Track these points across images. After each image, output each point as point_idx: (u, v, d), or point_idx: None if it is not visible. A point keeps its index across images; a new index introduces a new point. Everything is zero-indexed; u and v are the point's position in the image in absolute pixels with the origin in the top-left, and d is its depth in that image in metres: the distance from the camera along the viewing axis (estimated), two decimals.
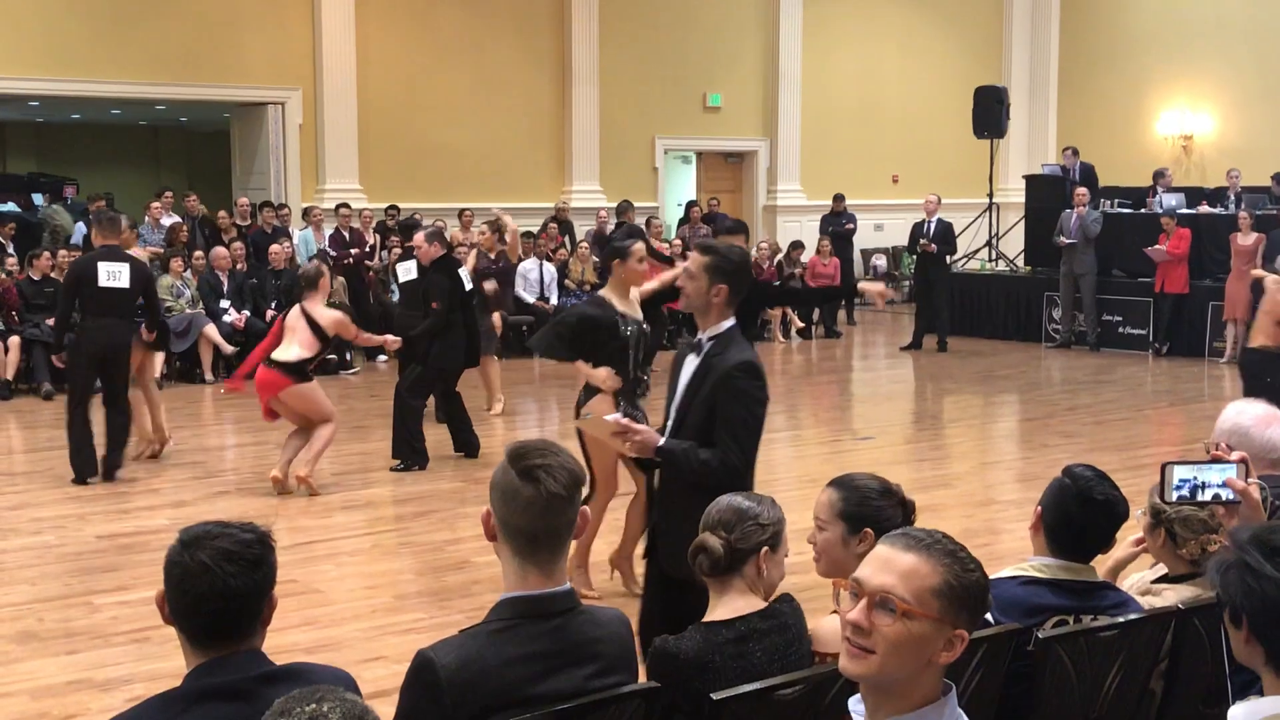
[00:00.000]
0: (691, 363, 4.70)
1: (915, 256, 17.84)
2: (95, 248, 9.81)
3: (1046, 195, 18.63)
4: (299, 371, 9.14)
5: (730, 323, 4.66)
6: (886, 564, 2.30)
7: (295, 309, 9.44)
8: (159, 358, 11.55)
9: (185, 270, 14.87)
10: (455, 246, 16.86)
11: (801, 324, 18.62)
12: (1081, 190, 17.23)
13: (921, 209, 17.65)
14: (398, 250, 15.18)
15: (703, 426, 4.56)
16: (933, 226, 17.31)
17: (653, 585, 5.02)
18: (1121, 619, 3.57)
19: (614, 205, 18.99)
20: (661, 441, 4.59)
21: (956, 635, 2.27)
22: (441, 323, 10.08)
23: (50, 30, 16.03)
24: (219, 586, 2.59)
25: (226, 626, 2.62)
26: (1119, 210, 17.91)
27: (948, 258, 17.70)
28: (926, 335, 17.21)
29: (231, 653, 2.62)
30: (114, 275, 9.44)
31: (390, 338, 10.38)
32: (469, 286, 10.64)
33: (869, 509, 3.51)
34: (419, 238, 10.59)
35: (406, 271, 11.52)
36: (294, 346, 9.25)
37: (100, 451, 9.70)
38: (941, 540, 2.33)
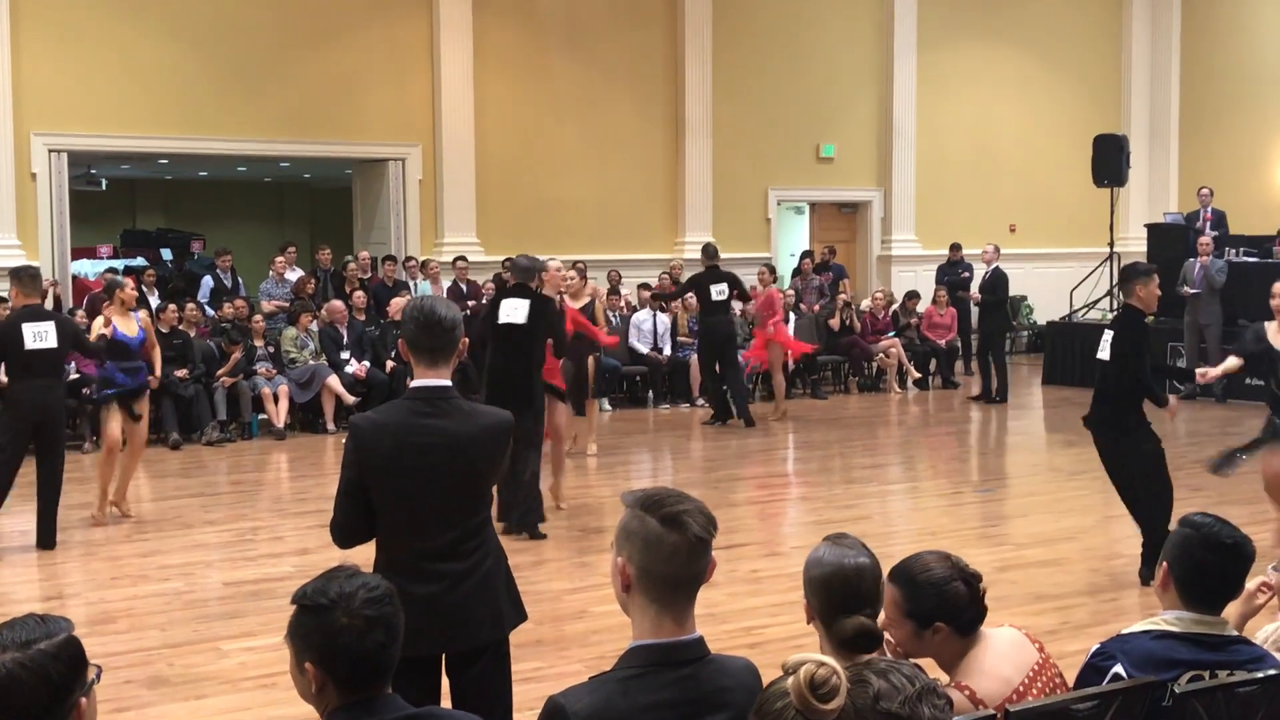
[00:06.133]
0: None
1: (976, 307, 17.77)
2: (14, 308, 9.40)
3: (1169, 244, 18.29)
4: None
5: (418, 381, 4.18)
6: None
7: None
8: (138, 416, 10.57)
9: (312, 323, 15.16)
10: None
11: (918, 374, 18.45)
12: (1205, 239, 16.90)
13: (980, 260, 17.54)
14: None
15: None
16: (988, 276, 17.20)
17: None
18: (1260, 674, 3.49)
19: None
20: None
21: None
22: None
23: (179, 90, 16.54)
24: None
25: (367, 674, 2.70)
26: (1244, 259, 17.52)
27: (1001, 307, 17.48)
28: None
29: (370, 697, 2.69)
30: (40, 336, 9.17)
31: None
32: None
33: (933, 604, 3.43)
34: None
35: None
36: None
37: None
38: None
